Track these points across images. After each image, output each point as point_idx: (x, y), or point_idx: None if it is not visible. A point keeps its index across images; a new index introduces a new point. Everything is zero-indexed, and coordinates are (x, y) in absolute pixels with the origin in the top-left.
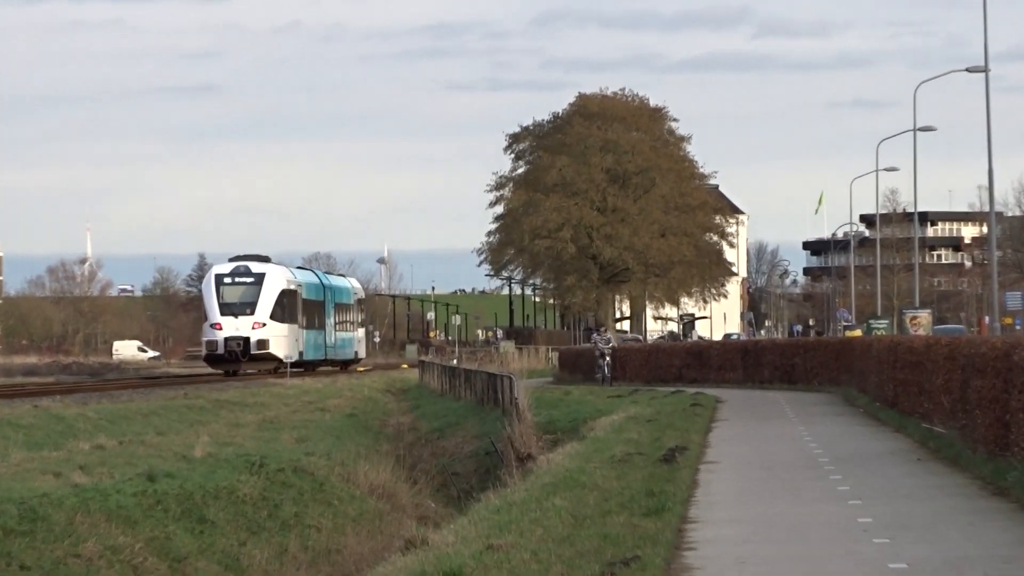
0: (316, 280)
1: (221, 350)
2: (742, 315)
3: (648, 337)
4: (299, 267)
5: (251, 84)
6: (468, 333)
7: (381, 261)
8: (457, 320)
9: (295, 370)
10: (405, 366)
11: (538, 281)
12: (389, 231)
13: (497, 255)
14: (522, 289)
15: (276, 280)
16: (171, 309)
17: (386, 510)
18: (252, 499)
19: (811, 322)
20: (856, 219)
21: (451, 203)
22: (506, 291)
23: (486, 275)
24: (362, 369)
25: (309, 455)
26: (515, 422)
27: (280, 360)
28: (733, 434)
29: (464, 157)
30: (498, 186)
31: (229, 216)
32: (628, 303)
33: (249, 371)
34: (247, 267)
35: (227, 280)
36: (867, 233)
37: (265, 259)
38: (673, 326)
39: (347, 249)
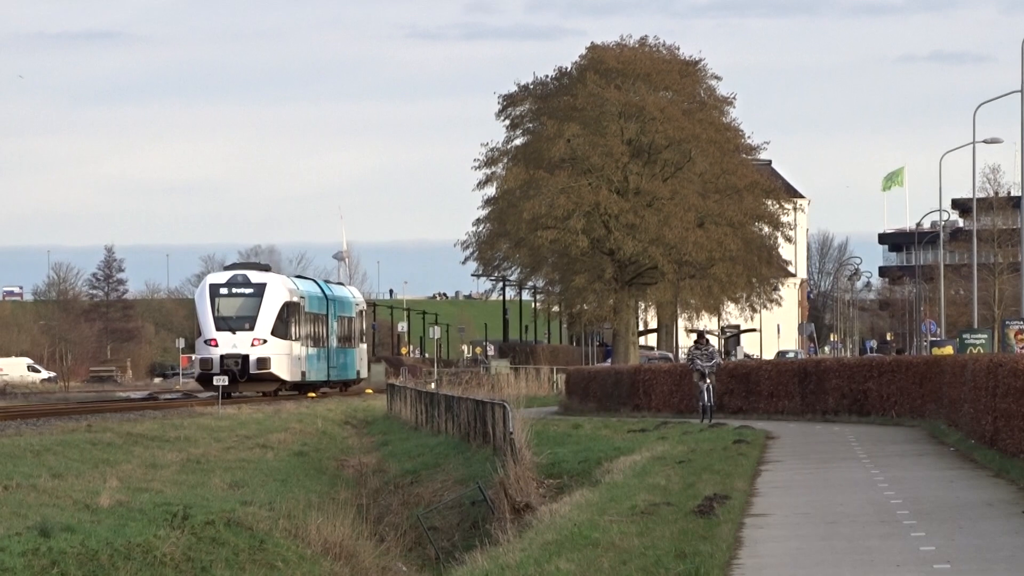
0: (318, 291)
1: (216, 369)
2: (801, 327)
3: (680, 355)
4: (298, 276)
5: (166, 30)
6: (451, 349)
7: (338, 257)
8: (436, 333)
9: (290, 393)
10: (369, 391)
11: (540, 283)
12: (348, 218)
13: (487, 250)
14: (519, 293)
15: (278, 292)
16: (71, 318)
17: (345, 575)
18: (173, 560)
19: (889, 337)
20: (947, 205)
21: (427, 183)
22: (499, 296)
23: (473, 275)
24: (314, 395)
25: (246, 504)
26: (510, 463)
27: (282, 380)
28: (788, 479)
29: (444, 125)
30: (489, 161)
31: (144, 199)
32: (655, 312)
33: (247, 393)
34: (245, 276)
35: (223, 291)
36: (961, 223)
37: (265, 268)
38: (713, 341)
39: (295, 240)
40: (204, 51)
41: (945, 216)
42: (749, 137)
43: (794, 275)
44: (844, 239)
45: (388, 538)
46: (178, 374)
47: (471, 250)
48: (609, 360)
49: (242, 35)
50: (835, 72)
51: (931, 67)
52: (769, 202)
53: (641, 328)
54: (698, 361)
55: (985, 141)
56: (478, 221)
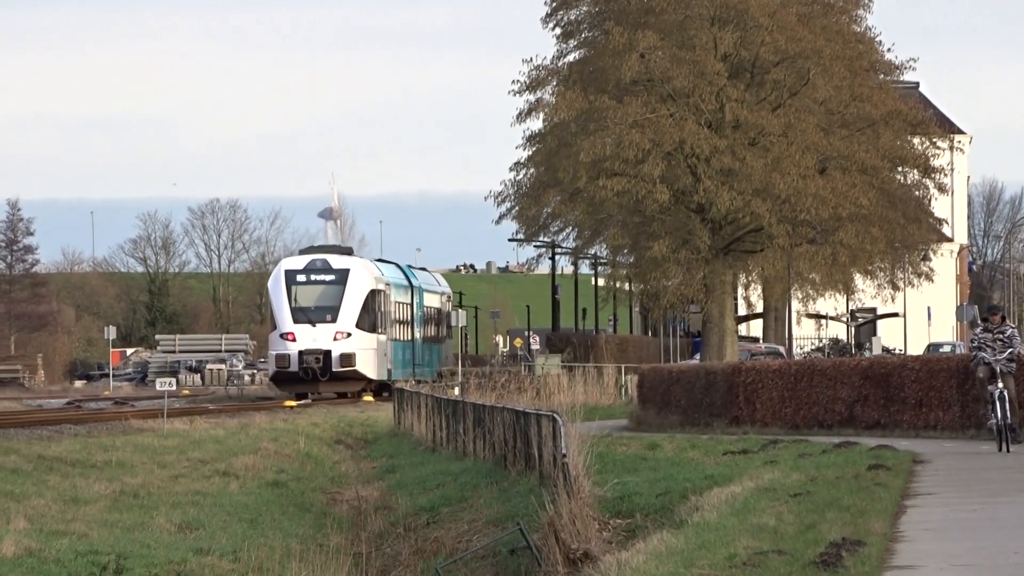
0: (403, 278)
1: (294, 367)
2: (960, 311)
3: (796, 349)
4: (379, 259)
5: None
6: (481, 341)
7: (327, 215)
8: (461, 319)
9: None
10: (369, 398)
11: (603, 251)
12: (339, 165)
13: (531, 205)
14: (575, 266)
15: (362, 278)
16: None
17: None
18: None
19: None
20: None
21: (445, 115)
22: (546, 268)
23: (511, 240)
24: (294, 404)
25: (201, 553)
26: (562, 497)
27: (368, 379)
28: (944, 519)
29: (467, 37)
30: (533, 84)
31: (60, 139)
32: (760, 290)
33: (328, 393)
34: (325, 261)
35: (301, 278)
36: None
37: (347, 251)
38: (839, 330)
39: (266, 193)
40: None
41: None
42: (890, 50)
43: (951, 240)
44: (1019, 190)
45: None
46: (107, 375)
47: (508, 205)
48: (697, 356)
49: None
50: None
51: None
52: (916, 140)
53: (742, 312)
54: (985, 352)
55: None
56: (518, 165)
